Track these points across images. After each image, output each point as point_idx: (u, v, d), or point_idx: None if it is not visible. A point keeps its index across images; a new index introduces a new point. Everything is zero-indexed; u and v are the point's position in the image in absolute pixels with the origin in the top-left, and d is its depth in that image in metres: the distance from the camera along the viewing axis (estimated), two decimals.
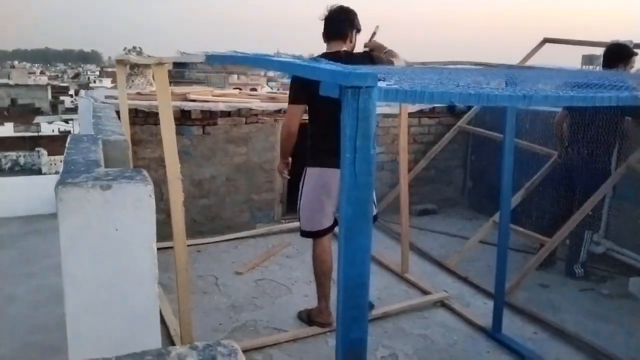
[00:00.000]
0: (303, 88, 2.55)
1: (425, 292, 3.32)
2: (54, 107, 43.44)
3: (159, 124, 2.63)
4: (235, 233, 4.23)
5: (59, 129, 31.84)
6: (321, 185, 2.69)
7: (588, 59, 5.25)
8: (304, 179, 2.76)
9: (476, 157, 5.17)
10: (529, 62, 4.70)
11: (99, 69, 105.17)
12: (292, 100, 2.65)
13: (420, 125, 5.05)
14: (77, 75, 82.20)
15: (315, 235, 2.78)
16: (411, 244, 4.08)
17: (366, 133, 0.96)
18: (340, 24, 2.69)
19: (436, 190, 5.23)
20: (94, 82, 58.80)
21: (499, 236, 2.84)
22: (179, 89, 4.65)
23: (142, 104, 3.95)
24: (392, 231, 4.42)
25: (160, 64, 2.33)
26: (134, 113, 3.90)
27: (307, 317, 2.91)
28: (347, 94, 0.95)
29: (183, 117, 4.05)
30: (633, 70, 3.54)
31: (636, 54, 3.53)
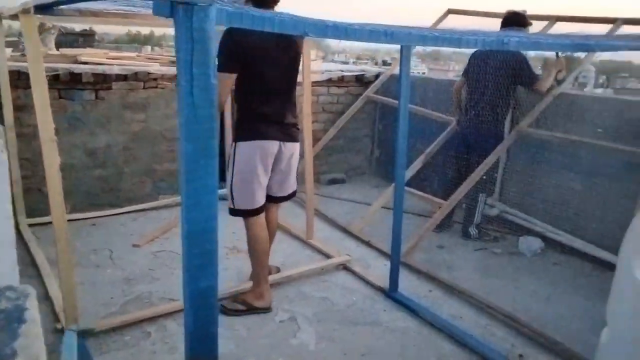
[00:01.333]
0: (237, 50, 2.34)
1: (328, 257, 3.34)
2: None
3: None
4: (134, 205, 4.02)
5: None
6: (258, 160, 2.51)
7: None
8: (234, 155, 2.53)
9: (383, 125, 5.24)
10: None
11: None
12: (223, 67, 2.34)
13: (329, 94, 5.02)
14: None
15: (251, 213, 2.61)
16: (318, 211, 4.09)
17: (204, 58, 0.88)
18: None
19: (345, 159, 5.26)
20: None
21: (394, 199, 2.89)
22: (70, 51, 4.29)
23: (23, 65, 3.59)
24: (302, 200, 4.39)
25: (25, 11, 2.10)
26: (17, 75, 3.56)
27: (244, 304, 2.66)
28: (179, 12, 0.85)
29: (72, 81, 3.74)
30: None
31: (531, 24, 3.68)
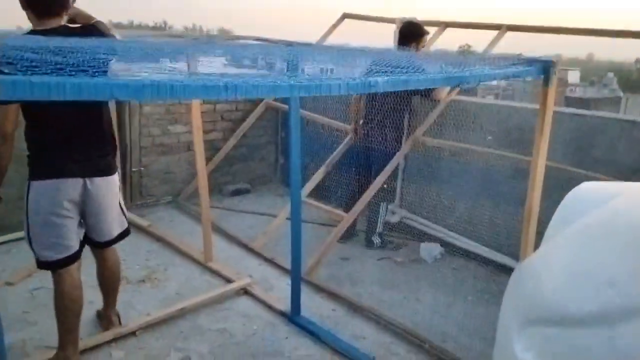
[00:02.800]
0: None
1: (228, 281, 3.16)
2: None
3: None
4: (7, 235, 3.59)
5: None
6: (55, 202, 2.13)
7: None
8: (27, 196, 2.15)
9: (286, 133, 5.12)
10: (330, 39, 4.72)
11: None
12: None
13: (227, 102, 4.81)
14: None
15: (57, 265, 2.20)
16: (218, 227, 3.90)
17: None
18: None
19: (248, 168, 5.08)
20: None
21: (291, 214, 2.78)
22: None
23: None
24: (198, 217, 4.18)
25: None
26: None
27: None
28: None
29: None
30: (424, 49, 3.71)
31: (427, 33, 3.70)
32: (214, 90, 0.94)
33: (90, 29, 2.21)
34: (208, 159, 4.61)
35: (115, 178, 2.33)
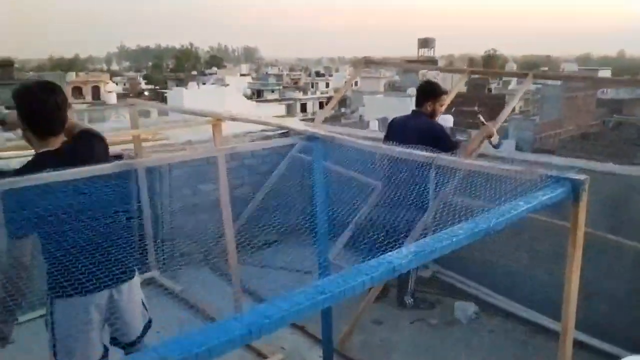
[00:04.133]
0: (30, 209, 1.86)
1: (260, 355, 3.16)
2: None
3: None
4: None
5: None
6: (88, 317, 2.13)
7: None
8: (52, 315, 2.11)
9: (312, 185, 5.14)
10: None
11: None
12: (14, 233, 1.93)
13: (253, 156, 4.86)
14: None
15: None
16: (249, 289, 3.91)
17: None
18: (60, 113, 2.09)
19: (277, 219, 5.10)
20: None
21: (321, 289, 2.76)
22: None
23: None
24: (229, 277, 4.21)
25: None
26: None
27: None
28: None
29: None
30: (443, 108, 3.68)
31: (446, 92, 3.68)
32: None
33: (87, 137, 2.24)
34: (238, 214, 4.67)
35: (137, 276, 2.35)
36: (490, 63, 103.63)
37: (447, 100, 3.71)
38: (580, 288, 1.71)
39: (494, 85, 61.55)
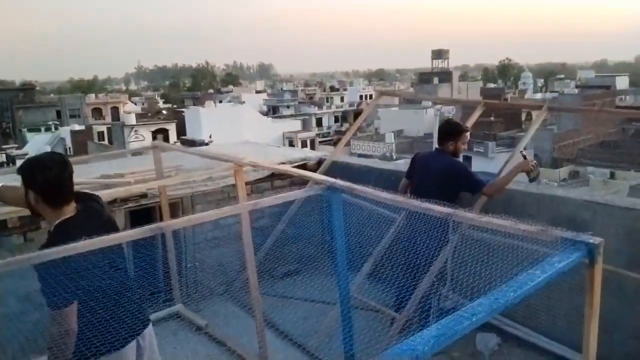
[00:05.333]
0: (66, 279, 1.95)
1: None
2: None
3: None
4: None
5: None
6: None
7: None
8: None
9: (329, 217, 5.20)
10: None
11: None
12: (63, 304, 2.01)
13: (272, 188, 4.97)
14: None
15: None
16: (271, 321, 3.98)
17: None
18: (72, 182, 2.22)
19: (297, 249, 5.18)
20: None
21: (342, 326, 2.82)
22: None
23: None
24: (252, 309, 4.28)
25: None
26: None
27: None
28: None
29: None
30: (465, 146, 3.72)
31: (467, 130, 3.73)
32: None
33: (91, 199, 2.38)
34: (259, 246, 4.76)
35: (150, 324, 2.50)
36: (505, 72, 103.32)
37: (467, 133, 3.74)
38: (600, 323, 1.75)
39: (510, 95, 61.32)
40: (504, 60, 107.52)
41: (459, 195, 3.67)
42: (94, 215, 2.28)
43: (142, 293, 2.48)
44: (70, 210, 2.21)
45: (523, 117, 39.42)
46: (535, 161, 3.55)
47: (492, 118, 36.77)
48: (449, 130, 3.70)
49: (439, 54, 76.34)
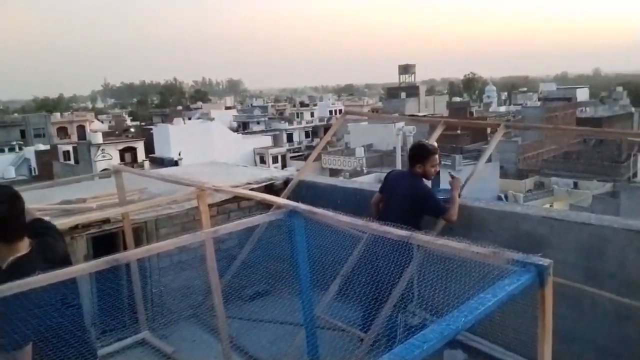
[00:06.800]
0: (24, 320, 1.89)
1: None
2: None
3: None
4: None
5: None
6: None
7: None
8: None
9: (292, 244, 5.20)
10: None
11: None
12: (20, 343, 1.92)
13: (239, 209, 4.94)
14: None
15: None
16: (239, 347, 3.93)
17: None
18: (24, 217, 2.16)
19: (265, 269, 5.15)
20: None
21: (308, 349, 2.81)
22: None
23: None
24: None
25: None
26: None
27: None
28: None
29: None
30: (435, 169, 3.79)
31: (435, 152, 3.79)
32: None
33: (46, 233, 2.32)
34: (226, 268, 4.72)
35: None
36: (470, 86, 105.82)
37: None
38: (558, 335, 1.79)
39: (475, 108, 62.71)
40: (468, 75, 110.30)
41: (423, 216, 3.73)
42: (48, 252, 2.20)
43: (106, 321, 2.41)
44: (23, 246, 2.12)
45: (488, 130, 40.36)
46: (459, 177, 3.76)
47: (459, 132, 37.52)
48: (417, 153, 3.77)
49: (405, 69, 77.69)
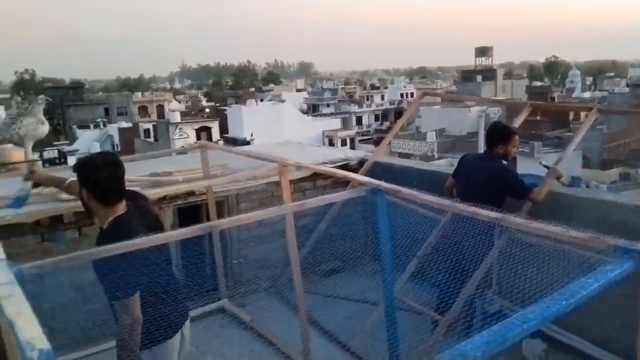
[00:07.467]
0: (133, 270, 2.08)
1: None
2: None
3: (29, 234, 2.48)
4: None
5: None
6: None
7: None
8: None
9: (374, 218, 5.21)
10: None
11: None
12: (130, 293, 2.13)
13: (315, 188, 5.01)
14: None
15: None
16: (315, 320, 4.02)
17: None
18: (124, 181, 2.33)
19: (340, 246, 5.20)
20: None
21: (387, 328, 2.83)
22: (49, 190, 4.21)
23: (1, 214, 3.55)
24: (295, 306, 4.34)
25: None
26: None
27: None
28: None
29: (54, 222, 3.72)
30: (515, 149, 3.67)
31: (516, 133, 3.66)
32: None
33: (139, 197, 2.52)
34: (301, 244, 4.81)
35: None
36: (552, 69, 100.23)
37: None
38: None
39: (556, 93, 59.40)
40: (550, 58, 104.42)
41: (504, 199, 3.61)
42: (143, 213, 2.40)
43: (189, 287, 2.58)
44: (121, 207, 2.30)
45: (571, 116, 38.16)
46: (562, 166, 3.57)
47: (539, 117, 35.74)
48: (498, 134, 3.65)
49: (482, 51, 74.66)
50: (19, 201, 2.94)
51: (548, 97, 50.14)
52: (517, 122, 4.20)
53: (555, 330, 3.59)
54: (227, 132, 39.33)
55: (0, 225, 3.51)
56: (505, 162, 3.74)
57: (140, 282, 2.09)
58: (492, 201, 3.52)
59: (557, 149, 21.78)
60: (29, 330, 1.25)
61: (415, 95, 49.34)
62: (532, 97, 45.04)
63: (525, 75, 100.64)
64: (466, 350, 1.15)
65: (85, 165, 2.31)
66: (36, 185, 3.05)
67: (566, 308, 1.33)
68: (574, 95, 58.50)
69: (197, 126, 39.00)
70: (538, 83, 76.68)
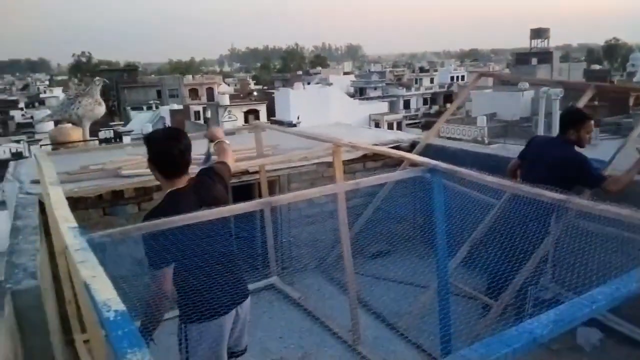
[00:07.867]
0: (168, 243, 2.08)
1: None
2: (4, 124, 41.91)
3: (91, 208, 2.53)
4: None
5: (10, 150, 30.60)
6: (221, 338, 2.39)
7: None
8: (187, 340, 2.35)
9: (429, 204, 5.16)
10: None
11: (48, 77, 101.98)
12: (158, 264, 2.16)
13: (365, 169, 5.00)
14: (26, 87, 79.54)
15: None
16: (363, 300, 4.05)
17: None
18: (183, 158, 2.35)
19: (388, 229, 5.19)
20: (44, 92, 57.14)
21: (439, 310, 2.82)
22: (111, 164, 4.41)
23: (68, 188, 3.74)
24: (343, 285, 4.38)
25: None
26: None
27: None
28: None
29: (115, 197, 3.88)
30: (590, 135, 3.53)
31: (590, 118, 3.53)
32: None
33: (209, 176, 2.51)
34: (350, 225, 4.83)
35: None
36: (612, 52, 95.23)
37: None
38: None
39: (616, 77, 56.44)
40: (610, 40, 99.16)
41: (572, 188, 3.48)
42: (202, 192, 2.39)
43: (245, 264, 2.62)
44: (181, 182, 2.35)
45: (631, 101, 36.23)
46: None
47: (597, 102, 34.10)
48: (571, 118, 3.52)
49: (538, 33, 71.63)
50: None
51: (607, 81, 47.70)
52: (582, 103, 4.03)
53: (612, 319, 3.48)
54: (274, 115, 39.65)
55: (66, 198, 3.70)
56: (578, 149, 3.59)
57: (187, 254, 2.13)
58: (561, 185, 3.41)
59: (616, 136, 20.76)
60: (105, 292, 1.31)
61: (466, 78, 48.10)
62: (590, 81, 42.96)
63: (583, 58, 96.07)
64: (533, 328, 1.13)
65: (148, 138, 2.42)
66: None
67: (637, 291, 1.29)
68: (634, 79, 55.43)
69: (245, 109, 39.54)
70: (597, 67, 73.07)
